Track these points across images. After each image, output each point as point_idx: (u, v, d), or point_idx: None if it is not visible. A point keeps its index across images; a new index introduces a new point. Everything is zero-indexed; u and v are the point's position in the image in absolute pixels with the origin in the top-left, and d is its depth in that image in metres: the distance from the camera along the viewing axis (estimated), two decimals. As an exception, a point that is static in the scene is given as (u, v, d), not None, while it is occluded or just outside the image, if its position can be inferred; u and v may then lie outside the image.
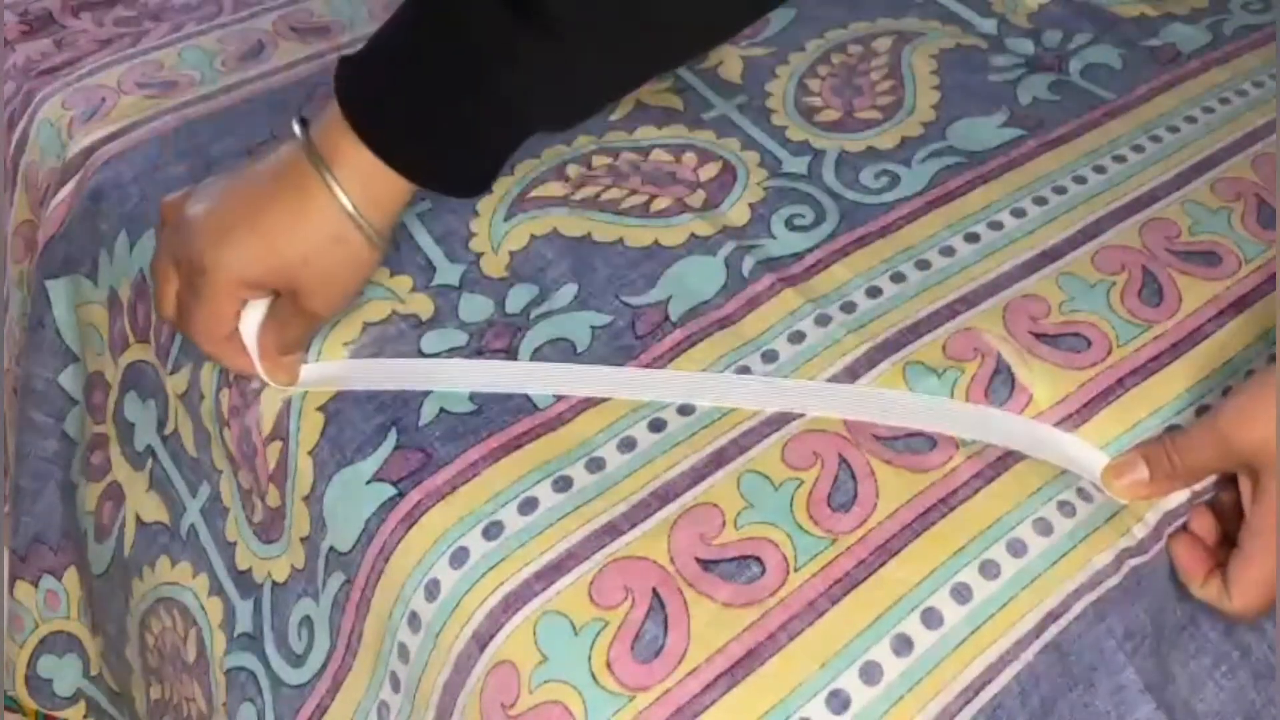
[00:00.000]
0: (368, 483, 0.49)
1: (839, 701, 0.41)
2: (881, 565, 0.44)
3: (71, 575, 0.74)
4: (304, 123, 0.49)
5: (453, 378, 0.52)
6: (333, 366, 0.53)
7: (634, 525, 0.46)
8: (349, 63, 0.48)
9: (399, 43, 0.48)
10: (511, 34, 0.45)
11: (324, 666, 0.51)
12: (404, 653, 0.47)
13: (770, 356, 0.52)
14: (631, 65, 0.50)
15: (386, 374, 0.52)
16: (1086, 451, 0.48)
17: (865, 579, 0.44)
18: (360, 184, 0.48)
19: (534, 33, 0.45)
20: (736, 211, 0.59)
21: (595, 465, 0.48)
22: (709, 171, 0.62)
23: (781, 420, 0.49)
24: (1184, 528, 0.46)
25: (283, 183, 0.48)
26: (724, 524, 0.46)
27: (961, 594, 0.44)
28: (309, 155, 0.48)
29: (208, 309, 0.50)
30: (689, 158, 0.62)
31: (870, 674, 0.42)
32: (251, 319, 0.51)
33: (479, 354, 0.53)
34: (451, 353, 0.53)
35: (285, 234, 0.48)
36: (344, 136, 0.47)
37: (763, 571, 0.44)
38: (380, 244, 0.49)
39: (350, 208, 0.48)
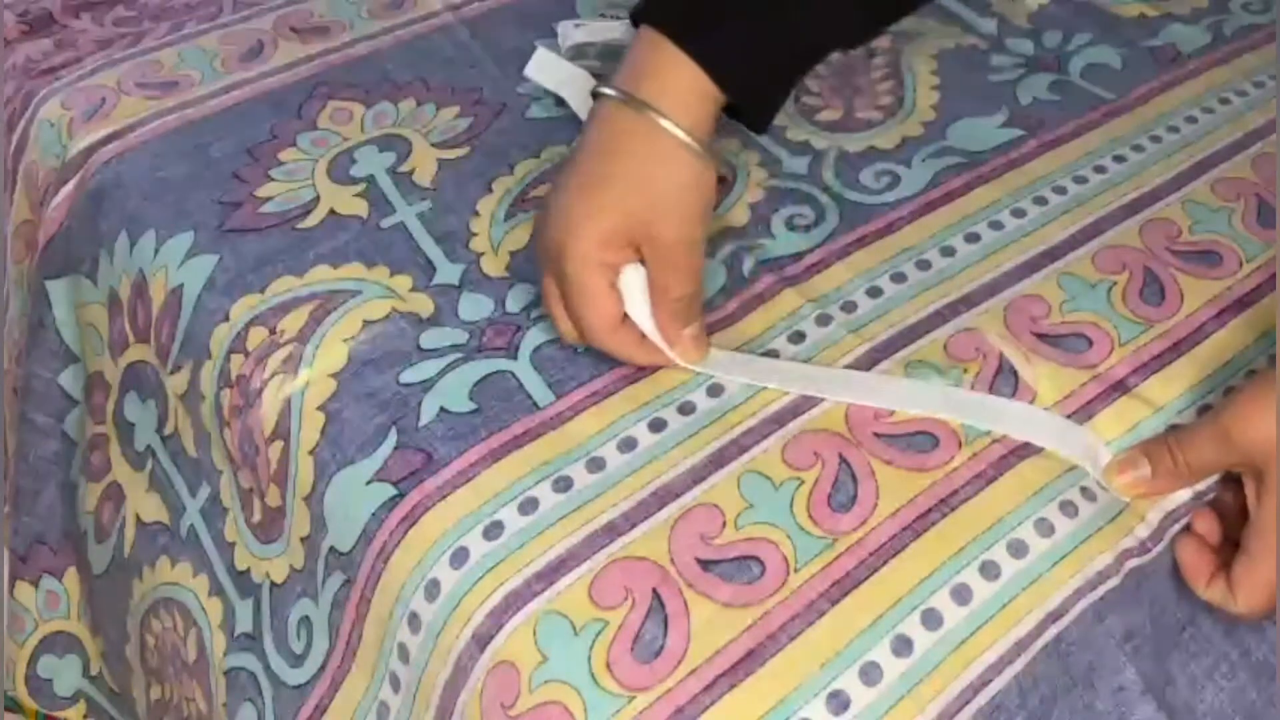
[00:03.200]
0: (368, 483, 0.49)
1: (839, 702, 0.41)
2: (882, 565, 0.44)
3: (71, 575, 0.74)
4: (605, 89, 0.50)
5: (823, 384, 0.51)
6: (742, 357, 0.52)
7: (634, 525, 0.46)
8: None
9: None
10: None
11: (323, 666, 0.51)
12: (404, 653, 0.47)
13: (770, 357, 0.52)
14: None
15: (782, 374, 0.52)
16: (1097, 443, 0.48)
17: (865, 579, 0.44)
18: (681, 105, 0.49)
19: None
20: (736, 211, 0.59)
21: (595, 465, 0.48)
22: (709, 171, 0.62)
23: (781, 420, 0.49)
24: (1188, 529, 0.46)
25: (612, 140, 0.50)
26: (724, 524, 0.46)
27: (962, 595, 0.44)
28: (627, 102, 0.49)
29: (582, 293, 0.49)
30: (689, 158, 0.62)
31: (870, 674, 0.42)
32: (638, 306, 0.50)
33: (479, 352, 0.53)
34: (454, 350, 0.53)
35: (625, 181, 0.49)
36: (658, 60, 0.49)
37: (763, 572, 0.44)
38: (711, 161, 0.50)
39: (681, 134, 0.49)
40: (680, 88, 0.49)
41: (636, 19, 0.51)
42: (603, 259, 0.49)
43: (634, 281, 0.50)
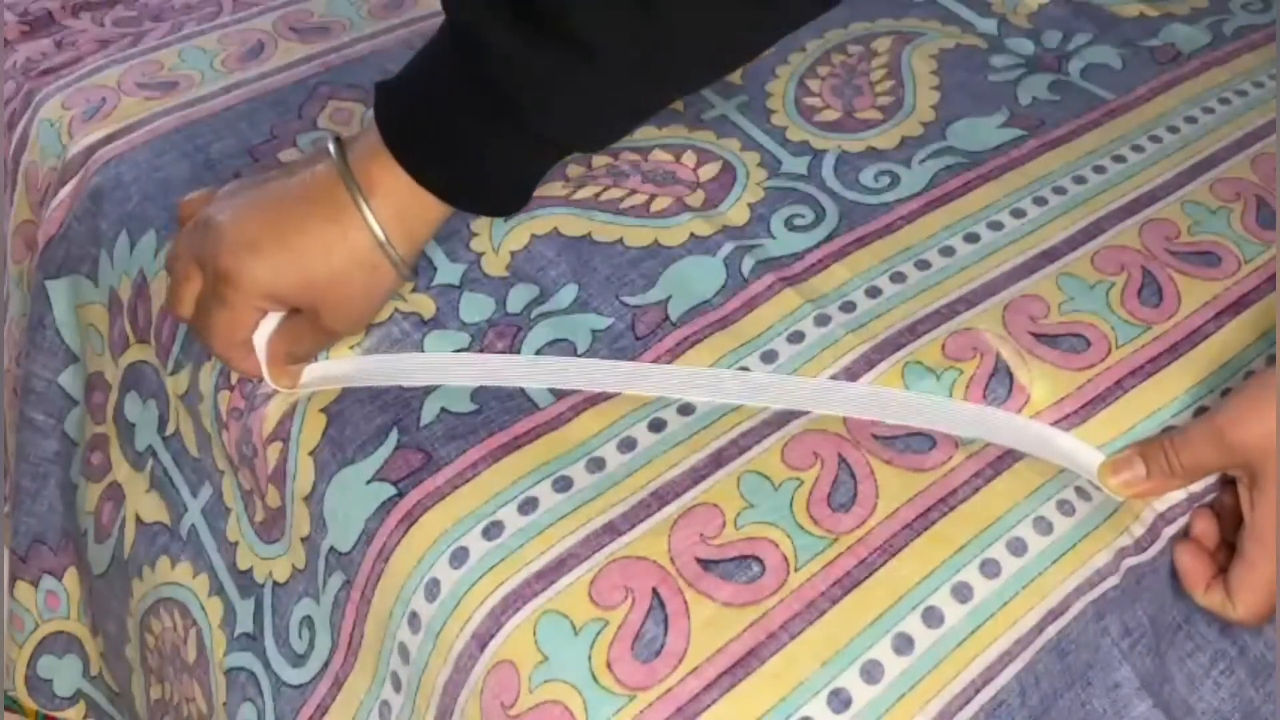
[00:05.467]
0: (368, 483, 0.49)
1: (840, 700, 0.41)
2: (882, 564, 0.44)
3: (71, 575, 0.74)
4: (338, 143, 0.49)
5: (449, 372, 0.52)
6: (334, 365, 0.53)
7: (634, 525, 0.46)
8: (385, 89, 0.49)
9: (430, 70, 0.48)
10: (536, 60, 0.45)
11: (325, 666, 0.51)
12: (404, 652, 0.47)
13: (770, 357, 0.52)
14: (660, 84, 0.50)
15: (385, 370, 0.52)
16: (1085, 451, 0.48)
17: (865, 578, 0.44)
18: (394, 213, 0.48)
19: (558, 56, 0.45)
20: (736, 211, 0.59)
21: (595, 465, 0.48)
22: (709, 171, 0.62)
23: (781, 420, 0.49)
24: (1186, 533, 0.46)
25: (317, 205, 0.49)
26: (724, 524, 0.46)
27: (962, 593, 0.44)
28: (345, 180, 0.48)
29: (230, 316, 0.50)
30: (689, 158, 0.62)
31: (871, 673, 0.42)
32: (264, 327, 0.51)
33: (480, 353, 0.53)
34: (454, 351, 0.53)
35: (317, 255, 0.48)
36: (382, 164, 0.48)
37: (763, 571, 0.44)
38: (406, 273, 0.50)
39: (383, 238, 0.48)
40: (396, 190, 0.48)
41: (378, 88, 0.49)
42: (262, 305, 0.50)
43: (271, 319, 0.51)
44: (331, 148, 0.49)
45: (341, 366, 0.53)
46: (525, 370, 0.52)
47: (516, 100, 0.46)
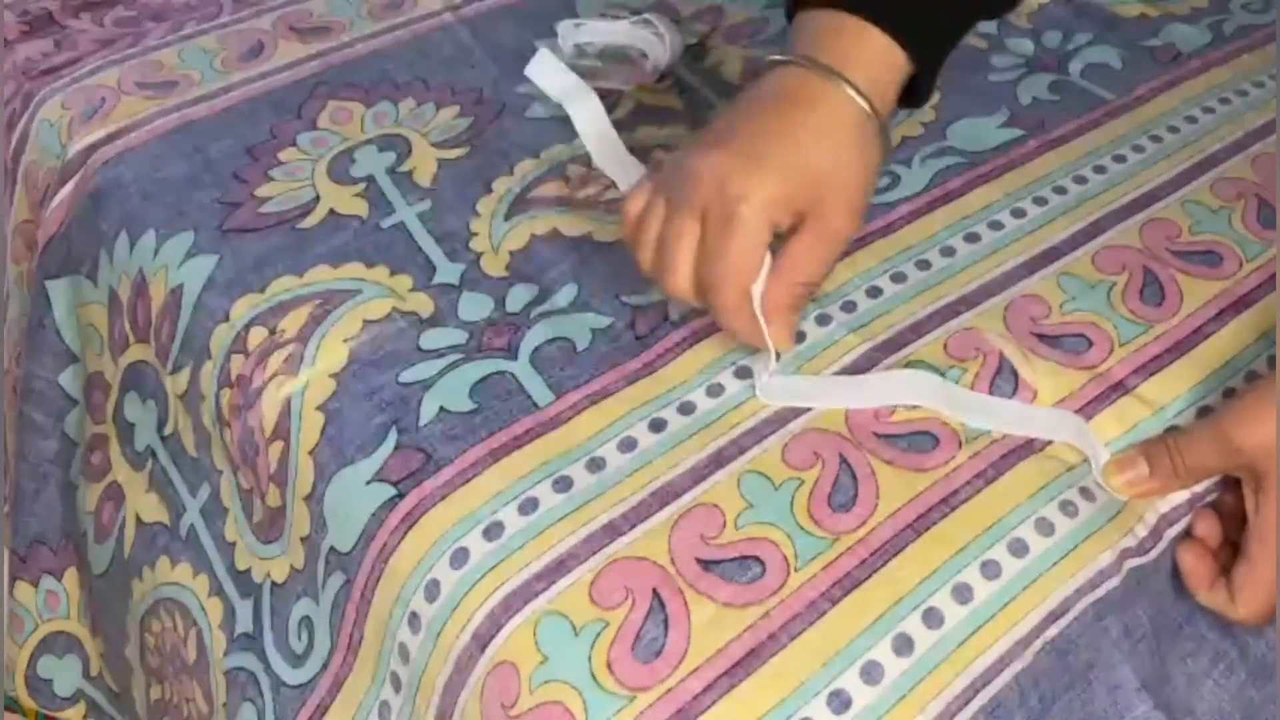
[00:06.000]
0: (368, 483, 0.49)
1: (840, 701, 0.41)
2: (882, 565, 0.44)
3: (71, 575, 0.74)
4: (777, 58, 0.49)
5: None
6: (805, 382, 0.51)
7: (634, 525, 0.46)
8: None
9: None
10: None
11: (324, 666, 0.51)
12: (404, 653, 0.47)
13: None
14: None
15: (840, 392, 0.51)
16: (1096, 445, 0.48)
17: (866, 579, 0.44)
18: (868, 79, 0.48)
19: None
20: (737, 211, 0.59)
21: (595, 465, 0.48)
22: (709, 171, 0.62)
23: (782, 420, 0.49)
24: (1189, 533, 0.46)
25: (795, 102, 0.48)
26: (724, 524, 0.46)
27: (962, 594, 0.44)
28: (812, 68, 0.48)
29: (742, 244, 0.47)
30: (689, 158, 0.62)
31: (871, 674, 0.42)
32: (760, 279, 0.48)
33: (479, 351, 0.53)
34: (454, 350, 0.53)
35: (812, 146, 0.47)
36: (843, 37, 0.48)
37: (763, 572, 0.44)
38: (888, 135, 0.49)
39: (867, 107, 0.48)
40: (866, 59, 0.48)
41: (796, 5, 0.51)
42: (772, 218, 0.47)
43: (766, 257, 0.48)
44: (773, 59, 0.49)
45: (808, 384, 0.51)
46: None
47: None
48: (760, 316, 0.48)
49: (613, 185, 0.61)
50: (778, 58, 0.49)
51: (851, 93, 0.48)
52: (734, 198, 0.46)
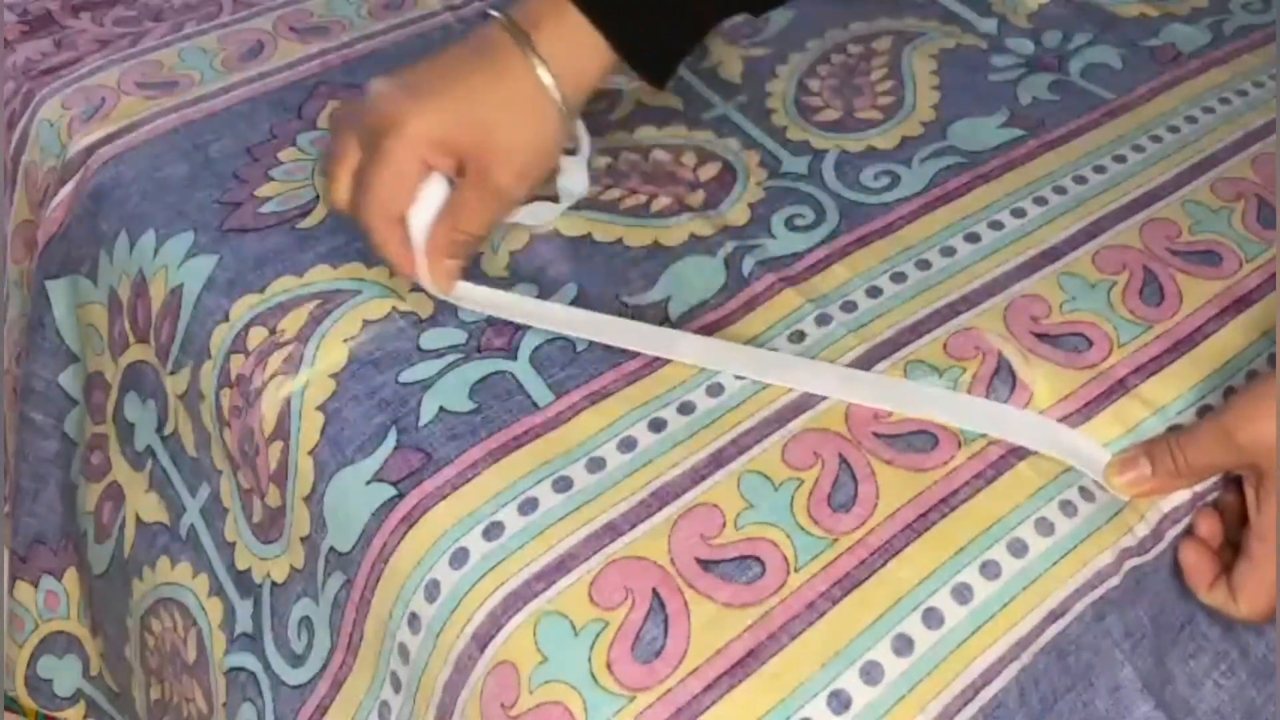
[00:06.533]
0: (368, 483, 0.49)
1: (840, 701, 0.41)
2: (882, 565, 0.44)
3: (71, 575, 0.74)
4: (494, 12, 0.50)
5: (575, 325, 0.52)
6: (480, 290, 0.52)
7: (634, 525, 0.46)
8: None
9: None
10: None
11: (324, 666, 0.51)
12: (404, 653, 0.47)
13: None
14: None
15: (517, 307, 0.52)
16: (1093, 448, 0.48)
17: (866, 579, 0.44)
18: (559, 53, 0.49)
19: None
20: (736, 211, 0.59)
21: (595, 465, 0.48)
22: (709, 171, 0.62)
23: (782, 420, 0.49)
24: (1190, 532, 0.46)
25: (481, 54, 0.49)
26: (724, 524, 0.46)
27: (962, 594, 0.44)
28: (507, 28, 0.49)
29: (391, 169, 0.48)
30: (689, 157, 0.62)
31: (871, 674, 0.42)
32: (421, 216, 0.50)
33: (478, 351, 0.53)
34: (453, 350, 0.53)
35: (480, 93, 0.48)
36: (544, 5, 0.49)
37: (763, 572, 0.44)
38: (570, 121, 0.50)
39: (548, 79, 0.48)
40: (560, 34, 0.49)
41: None
42: (427, 153, 0.48)
43: (434, 193, 0.50)
44: (488, 12, 0.50)
45: (485, 292, 0.52)
46: (620, 329, 0.51)
47: None
48: (421, 252, 0.50)
49: (613, 185, 0.61)
50: (492, 13, 0.50)
51: (534, 61, 0.48)
52: (386, 127, 0.48)
